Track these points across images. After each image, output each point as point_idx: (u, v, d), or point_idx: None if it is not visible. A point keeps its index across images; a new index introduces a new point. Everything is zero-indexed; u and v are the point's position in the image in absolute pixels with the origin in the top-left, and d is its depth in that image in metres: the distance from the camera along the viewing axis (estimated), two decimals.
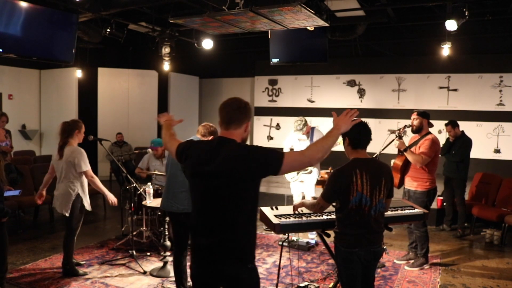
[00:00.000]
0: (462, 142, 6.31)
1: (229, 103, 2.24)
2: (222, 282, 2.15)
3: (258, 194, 2.20)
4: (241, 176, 2.10)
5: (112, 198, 4.54)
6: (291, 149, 5.98)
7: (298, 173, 5.81)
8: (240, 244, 2.13)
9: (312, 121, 11.15)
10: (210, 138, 3.67)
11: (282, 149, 6.16)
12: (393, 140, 4.74)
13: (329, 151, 2.19)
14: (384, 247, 5.03)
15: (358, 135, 2.84)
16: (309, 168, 5.74)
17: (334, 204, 2.90)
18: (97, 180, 4.48)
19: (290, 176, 5.90)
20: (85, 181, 4.47)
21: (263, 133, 12.14)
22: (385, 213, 2.99)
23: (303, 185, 5.87)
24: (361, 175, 2.74)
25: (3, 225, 3.30)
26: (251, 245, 2.19)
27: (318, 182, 6.08)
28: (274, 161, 2.10)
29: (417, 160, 4.59)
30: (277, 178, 8.08)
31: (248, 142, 2.35)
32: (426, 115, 4.84)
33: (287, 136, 6.16)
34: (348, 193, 2.73)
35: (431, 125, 4.88)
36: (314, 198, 5.69)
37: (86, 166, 4.38)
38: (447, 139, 6.48)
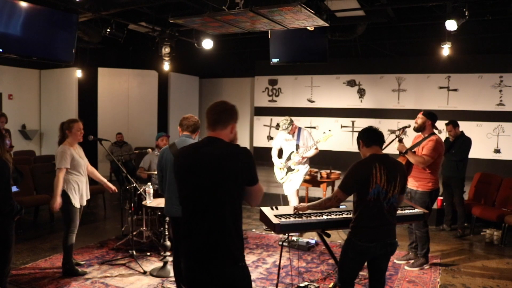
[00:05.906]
0: (462, 142, 6.30)
1: (215, 106, 2.31)
2: (214, 282, 2.16)
3: (242, 194, 2.24)
4: (229, 173, 2.14)
5: (55, 204, 4.30)
6: (279, 150, 6.21)
7: (286, 174, 6.00)
8: (229, 244, 2.16)
9: (312, 121, 11.17)
10: (196, 133, 3.67)
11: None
12: (392, 141, 4.73)
13: None
14: None
15: (366, 133, 3.06)
16: (296, 167, 5.93)
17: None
18: (59, 181, 4.29)
19: (279, 177, 6.10)
20: (72, 179, 4.41)
21: (263, 133, 12.13)
22: None
23: (292, 183, 6.02)
24: (379, 168, 2.89)
25: (14, 224, 3.29)
26: (239, 244, 2.22)
27: (308, 181, 6.33)
28: (254, 177, 2.23)
29: (419, 161, 4.57)
30: (276, 178, 8.07)
31: (247, 142, 2.37)
32: (432, 117, 4.81)
33: (276, 136, 6.28)
34: (367, 185, 2.87)
35: (436, 128, 4.84)
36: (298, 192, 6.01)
37: (60, 164, 4.30)
38: (447, 138, 6.47)
